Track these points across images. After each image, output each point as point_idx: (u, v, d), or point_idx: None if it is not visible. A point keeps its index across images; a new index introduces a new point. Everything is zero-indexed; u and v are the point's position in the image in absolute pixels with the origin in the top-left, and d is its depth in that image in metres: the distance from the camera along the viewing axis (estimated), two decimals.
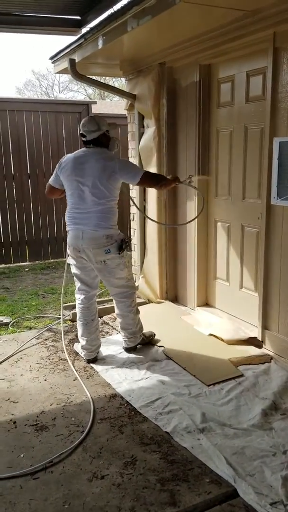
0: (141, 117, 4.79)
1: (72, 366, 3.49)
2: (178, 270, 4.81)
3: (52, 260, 7.40)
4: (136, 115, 4.80)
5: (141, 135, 4.78)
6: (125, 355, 3.69)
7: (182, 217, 4.59)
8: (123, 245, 3.43)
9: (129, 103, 4.96)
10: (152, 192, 4.69)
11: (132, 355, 3.67)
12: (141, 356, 3.65)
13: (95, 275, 3.59)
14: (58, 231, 7.40)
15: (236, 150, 3.95)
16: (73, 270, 3.62)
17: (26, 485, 2.25)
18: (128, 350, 3.72)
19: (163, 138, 4.56)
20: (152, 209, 4.71)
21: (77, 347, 3.78)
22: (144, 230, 4.98)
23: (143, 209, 4.90)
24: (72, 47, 4.47)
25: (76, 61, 4.41)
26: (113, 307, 4.56)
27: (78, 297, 3.64)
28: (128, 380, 3.28)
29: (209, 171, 4.29)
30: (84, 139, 3.45)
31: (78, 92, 28.54)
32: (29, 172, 7.06)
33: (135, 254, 5.18)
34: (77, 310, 3.66)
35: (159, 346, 3.81)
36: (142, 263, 5.04)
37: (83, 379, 3.31)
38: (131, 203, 4.86)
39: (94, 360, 3.60)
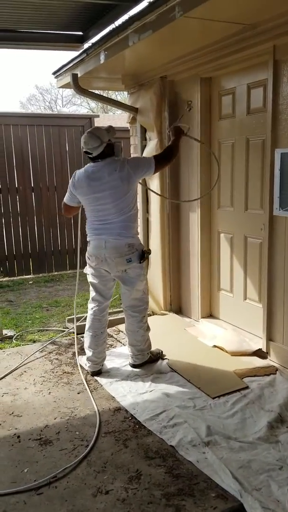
0: (143, 130, 4.82)
1: (83, 379, 3.47)
2: (182, 282, 4.81)
3: (56, 273, 7.41)
4: (138, 128, 4.84)
5: (143, 147, 4.81)
6: (130, 368, 3.67)
7: (185, 230, 4.60)
8: (144, 254, 3.47)
9: (131, 116, 5.00)
10: (155, 205, 4.71)
11: (137, 368, 3.66)
12: (146, 369, 3.63)
13: (112, 286, 3.62)
14: (61, 244, 7.42)
15: (238, 162, 3.96)
16: (90, 279, 3.62)
17: (30, 501, 2.23)
18: (134, 366, 3.67)
19: None
20: (155, 221, 4.72)
21: (81, 359, 3.76)
22: (147, 242, 4.98)
23: (146, 222, 4.91)
24: (74, 62, 4.52)
25: (79, 75, 4.46)
26: (117, 319, 4.57)
27: (91, 307, 3.63)
28: (133, 393, 3.26)
29: (211, 183, 4.30)
30: (90, 156, 3.42)
31: (81, 106, 28.85)
32: (32, 186, 7.11)
33: None
34: (88, 321, 3.65)
35: (164, 359, 3.79)
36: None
37: (88, 392, 3.29)
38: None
39: (99, 372, 3.59)
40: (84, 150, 3.43)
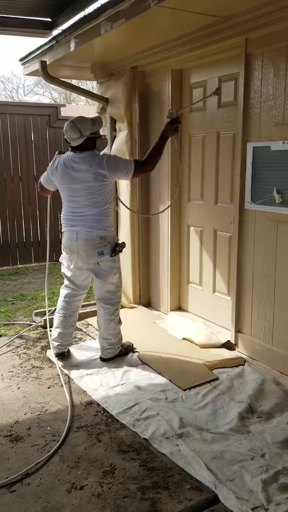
0: (113, 121, 4.76)
1: (59, 371, 3.40)
2: (151, 275, 4.80)
3: (20, 266, 7.25)
4: (108, 119, 4.76)
5: (113, 139, 4.75)
6: (100, 361, 3.64)
7: (155, 224, 4.59)
8: (117, 248, 3.43)
9: (100, 107, 4.92)
10: (125, 197, 4.67)
11: (107, 361, 3.63)
12: (116, 362, 3.60)
13: (86, 278, 3.61)
14: (26, 236, 7.26)
15: (209, 155, 3.98)
16: (63, 269, 3.64)
17: (2, 499, 2.17)
18: (104, 360, 3.65)
19: (136, 142, 4.55)
20: (124, 214, 4.68)
21: (51, 354, 3.70)
22: (116, 235, 4.93)
23: (115, 214, 4.86)
24: (43, 49, 4.40)
25: (47, 63, 4.35)
26: (87, 312, 4.52)
27: (63, 292, 3.66)
28: (104, 387, 3.23)
29: (181, 176, 4.30)
30: (69, 145, 3.38)
31: (44, 95, 28.25)
32: None
33: None
34: (58, 303, 3.69)
35: (134, 352, 3.77)
36: None
37: (58, 386, 3.24)
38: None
39: (62, 355, 3.63)
40: (64, 137, 3.40)
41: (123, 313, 4.64)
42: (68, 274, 3.58)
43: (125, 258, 4.77)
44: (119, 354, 3.67)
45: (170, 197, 4.31)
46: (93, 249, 3.36)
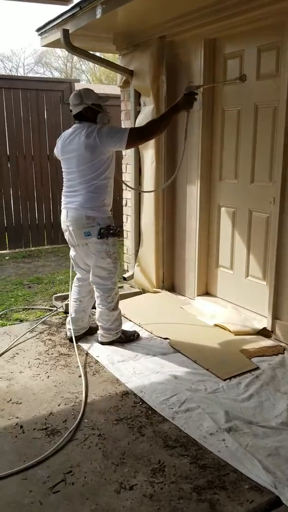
0: (138, 95, 4.49)
1: (79, 363, 3.21)
2: (176, 258, 4.59)
3: (33, 248, 7.04)
4: (132, 92, 4.50)
5: (137, 113, 4.49)
6: (131, 347, 3.45)
7: (181, 204, 4.36)
8: (106, 231, 3.21)
9: (123, 80, 4.65)
10: (148, 175, 4.43)
11: (137, 347, 3.44)
12: (147, 349, 3.42)
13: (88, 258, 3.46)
14: (39, 218, 7.03)
15: (245, 130, 3.73)
16: (70, 251, 3.55)
17: (46, 501, 1.99)
18: (101, 343, 3.50)
19: None
20: (148, 195, 4.45)
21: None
22: (139, 217, 4.71)
23: (138, 195, 4.64)
24: (64, 16, 4.11)
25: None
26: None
27: (76, 276, 3.58)
28: (138, 375, 3.05)
29: (212, 153, 4.07)
30: (71, 114, 3.32)
31: (44, 74, 27.69)
32: (8, 154, 6.63)
33: (128, 242, 4.90)
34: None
35: (164, 338, 3.59)
36: (136, 251, 4.78)
37: (89, 375, 3.06)
38: (124, 187, 4.59)
39: (75, 340, 3.45)
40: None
41: (147, 298, 4.50)
42: (72, 254, 3.52)
43: (148, 240, 4.56)
44: (118, 340, 3.51)
45: (200, 176, 4.08)
46: (80, 229, 3.22)
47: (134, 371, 3.11)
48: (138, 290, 4.75)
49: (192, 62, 4.02)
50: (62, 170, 3.39)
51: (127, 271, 5.01)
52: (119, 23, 4.06)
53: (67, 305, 4.09)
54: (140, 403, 2.73)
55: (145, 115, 4.35)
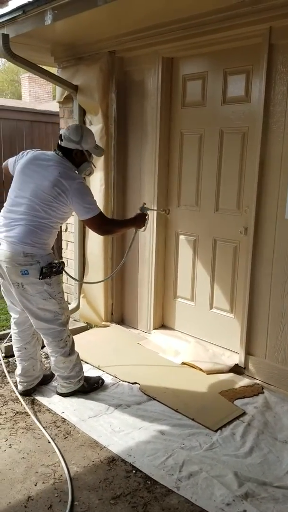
0: (82, 112, 4.11)
1: (37, 423, 2.70)
2: (126, 289, 4.24)
3: None
4: (76, 109, 4.10)
5: None
6: (98, 397, 3.02)
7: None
8: (48, 270, 2.74)
9: (64, 95, 4.24)
10: (98, 197, 4.05)
11: (106, 396, 3.02)
12: (117, 398, 3.02)
13: None
14: None
15: (208, 156, 3.54)
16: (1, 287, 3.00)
17: None
18: (61, 395, 3.04)
19: (112, 137, 3.97)
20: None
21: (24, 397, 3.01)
22: (83, 243, 4.29)
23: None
24: (1, 20, 3.62)
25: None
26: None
27: (11, 319, 3.08)
28: (119, 434, 2.64)
29: (169, 177, 3.82)
30: (59, 142, 2.91)
31: None
32: None
33: (71, 271, 4.43)
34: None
35: (133, 383, 3.21)
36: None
37: (60, 439, 2.58)
38: None
39: (28, 393, 3.04)
40: (60, 132, 2.99)
41: (96, 333, 4.10)
42: (3, 290, 2.98)
43: (96, 270, 4.16)
44: (81, 390, 3.05)
45: (157, 203, 3.81)
46: (14, 266, 2.71)
47: (112, 428, 2.70)
48: (83, 324, 4.31)
49: (146, 81, 3.76)
50: (12, 186, 2.88)
51: (69, 303, 4.54)
52: (63, 33, 3.68)
53: (6, 347, 3.56)
54: (134, 471, 2.33)
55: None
